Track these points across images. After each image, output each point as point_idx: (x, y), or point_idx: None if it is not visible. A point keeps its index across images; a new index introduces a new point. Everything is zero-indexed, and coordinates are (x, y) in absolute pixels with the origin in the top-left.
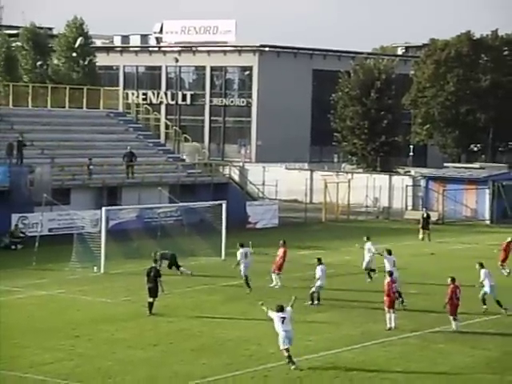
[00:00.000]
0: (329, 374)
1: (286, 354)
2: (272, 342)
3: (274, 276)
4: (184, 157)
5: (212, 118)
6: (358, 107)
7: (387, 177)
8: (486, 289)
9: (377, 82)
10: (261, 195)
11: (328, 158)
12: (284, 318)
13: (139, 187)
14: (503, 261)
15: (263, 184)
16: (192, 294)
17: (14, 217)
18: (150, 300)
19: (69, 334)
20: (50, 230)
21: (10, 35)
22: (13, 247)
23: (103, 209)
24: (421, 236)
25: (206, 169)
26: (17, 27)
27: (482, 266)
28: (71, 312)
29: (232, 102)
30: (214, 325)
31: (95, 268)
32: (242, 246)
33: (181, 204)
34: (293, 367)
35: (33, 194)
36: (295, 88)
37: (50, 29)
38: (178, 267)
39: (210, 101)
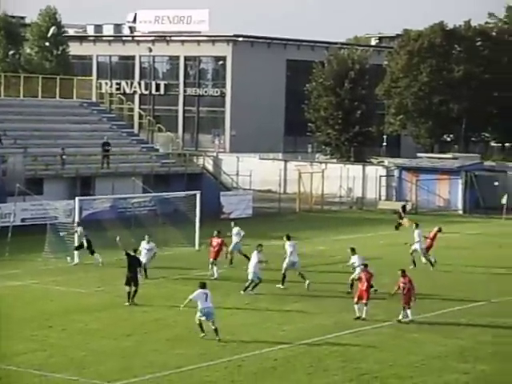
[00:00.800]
0: (303, 363)
1: (197, 322)
2: (246, 331)
3: (214, 267)
4: (158, 147)
5: (186, 108)
6: (332, 97)
7: (361, 167)
8: (356, 274)
9: (350, 72)
10: (235, 185)
11: (302, 149)
12: (206, 294)
13: (113, 177)
14: (428, 249)
15: (237, 174)
16: (166, 284)
17: None
18: (128, 289)
19: (42, 324)
20: (22, 220)
21: None
22: None
23: (76, 199)
24: (407, 224)
25: (179, 159)
26: None
27: (353, 251)
28: (44, 302)
29: (206, 92)
30: (189, 315)
31: (68, 258)
32: (148, 241)
33: (155, 194)
34: (202, 335)
35: (5, 184)
36: (269, 78)
37: (23, 18)
38: (92, 252)
39: (184, 91)
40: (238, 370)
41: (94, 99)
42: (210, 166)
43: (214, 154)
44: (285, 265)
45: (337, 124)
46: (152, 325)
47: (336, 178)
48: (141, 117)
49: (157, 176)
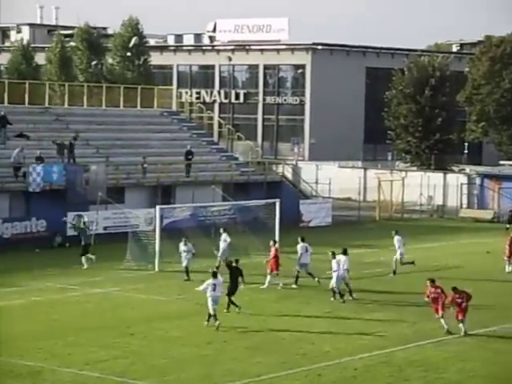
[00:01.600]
0: (383, 372)
1: (212, 313)
2: (326, 340)
3: (268, 277)
4: (237, 155)
5: (265, 116)
6: (412, 105)
7: (442, 175)
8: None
9: (431, 79)
10: (314, 193)
11: (381, 156)
12: (215, 284)
13: (193, 186)
14: (509, 256)
15: (316, 182)
16: (246, 293)
17: (70, 215)
18: (227, 299)
19: (123, 331)
20: (104, 228)
21: (65, 35)
22: (67, 245)
23: (157, 207)
24: None
25: (259, 167)
26: (72, 27)
27: (334, 255)
28: (125, 310)
29: (285, 100)
30: (268, 323)
31: (150, 266)
32: (185, 242)
33: (234, 202)
34: (217, 323)
35: (88, 193)
36: (348, 86)
37: (105, 28)
38: (86, 253)
39: (263, 99)
40: (318, 379)
41: (174, 108)
42: (289, 174)
43: (294, 162)
44: (297, 266)
45: (417, 132)
46: (231, 333)
47: (416, 186)
48: (220, 125)
49: (236, 184)
